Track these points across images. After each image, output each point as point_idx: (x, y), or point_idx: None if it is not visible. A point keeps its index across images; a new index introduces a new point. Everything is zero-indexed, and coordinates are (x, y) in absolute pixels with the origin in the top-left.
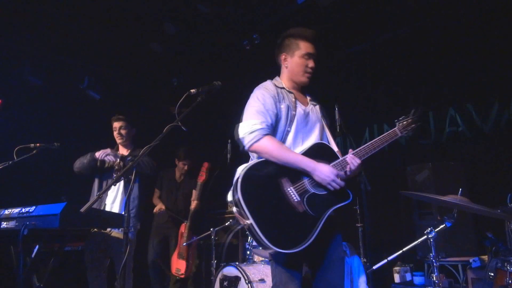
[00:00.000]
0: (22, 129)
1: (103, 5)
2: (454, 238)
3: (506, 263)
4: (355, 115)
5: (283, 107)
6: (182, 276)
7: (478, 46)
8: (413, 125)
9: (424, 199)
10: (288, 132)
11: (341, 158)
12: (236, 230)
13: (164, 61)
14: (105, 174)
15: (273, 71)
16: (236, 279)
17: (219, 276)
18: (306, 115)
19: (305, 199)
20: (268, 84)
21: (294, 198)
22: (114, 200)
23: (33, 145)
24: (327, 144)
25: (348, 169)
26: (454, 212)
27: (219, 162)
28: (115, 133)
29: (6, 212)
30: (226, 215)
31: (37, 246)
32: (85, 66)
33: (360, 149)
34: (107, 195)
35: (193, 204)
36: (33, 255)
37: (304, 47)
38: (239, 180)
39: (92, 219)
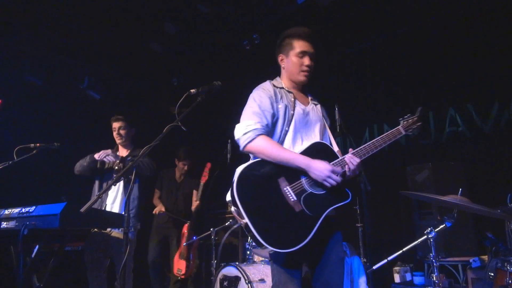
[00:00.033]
0: (22, 129)
1: (103, 5)
2: (454, 238)
3: (506, 263)
4: (355, 115)
5: (280, 107)
6: (183, 277)
7: (478, 46)
8: (419, 123)
9: (424, 199)
10: (287, 131)
11: (340, 158)
12: (232, 229)
13: (164, 61)
14: (105, 175)
15: (273, 71)
16: (236, 279)
17: (219, 276)
18: (306, 114)
19: (302, 199)
20: (266, 85)
21: (291, 197)
22: (114, 200)
23: (33, 145)
24: (327, 143)
25: (347, 168)
26: (454, 212)
27: (219, 162)
28: (115, 134)
29: (6, 212)
30: (227, 215)
31: (37, 246)
32: (85, 66)
33: (361, 148)
34: (107, 195)
35: (195, 204)
36: (33, 255)
37: (297, 45)
38: (236, 179)
39: (92, 219)
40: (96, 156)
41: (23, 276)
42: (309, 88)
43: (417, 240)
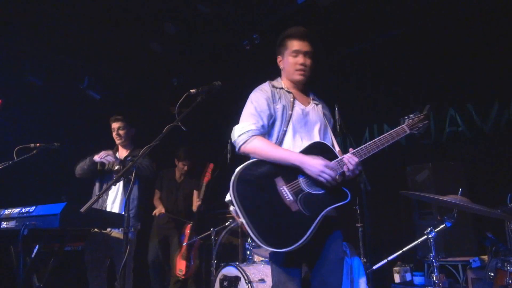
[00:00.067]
0: (22, 129)
1: (103, 5)
2: (454, 238)
3: (506, 263)
4: (355, 115)
5: (278, 107)
6: (183, 277)
7: (478, 46)
8: (426, 122)
9: (424, 199)
10: (285, 131)
11: (339, 158)
12: (229, 228)
13: (164, 61)
14: (105, 177)
15: (273, 71)
16: (236, 279)
17: (219, 276)
18: (305, 114)
19: (299, 198)
20: (264, 86)
21: (288, 197)
22: (114, 200)
23: (33, 145)
24: (326, 143)
25: (345, 168)
26: (454, 212)
27: (219, 162)
28: (114, 134)
29: (6, 212)
30: (227, 215)
31: (37, 246)
32: (85, 66)
33: (361, 148)
34: (107, 195)
35: (196, 204)
36: (33, 255)
37: (291, 45)
38: (233, 179)
39: (92, 219)
40: (96, 157)
41: (23, 276)
42: (311, 88)
43: (417, 240)
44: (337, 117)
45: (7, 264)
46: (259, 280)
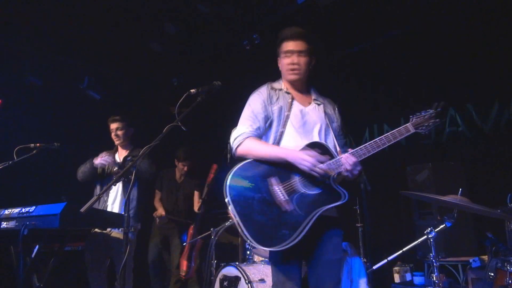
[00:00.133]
0: (22, 129)
1: (103, 5)
2: (454, 238)
3: (506, 263)
4: (355, 115)
5: (275, 108)
6: (184, 277)
7: (478, 46)
8: (436, 120)
9: (424, 199)
10: (282, 132)
11: (336, 158)
12: (224, 227)
13: (164, 61)
14: (106, 179)
15: (273, 71)
16: (236, 279)
17: (219, 276)
18: (304, 115)
19: (294, 198)
20: (262, 88)
21: (282, 197)
22: (114, 200)
23: (33, 145)
24: (323, 143)
25: (343, 169)
26: (454, 212)
27: (220, 162)
28: (112, 135)
29: (6, 212)
30: (228, 215)
31: (37, 246)
32: (85, 66)
33: (361, 148)
34: (108, 195)
35: (197, 205)
36: (33, 255)
37: (284, 46)
38: (228, 179)
39: (92, 219)
40: (95, 161)
41: (23, 276)
42: (315, 87)
43: (417, 240)
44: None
45: (7, 264)
46: (259, 280)
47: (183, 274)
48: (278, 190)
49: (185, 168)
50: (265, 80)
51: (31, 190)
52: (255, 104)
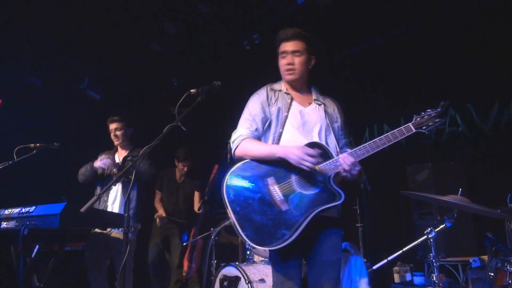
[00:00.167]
0: (22, 129)
1: (103, 5)
2: (454, 238)
3: (506, 263)
4: (355, 115)
5: (273, 109)
6: (185, 278)
7: (478, 46)
8: (438, 120)
9: (424, 199)
10: (281, 133)
11: (334, 158)
12: (223, 227)
13: (164, 61)
14: (106, 180)
15: (273, 71)
16: (236, 279)
17: (219, 276)
18: (303, 115)
19: (290, 198)
20: (260, 90)
21: (278, 197)
22: (114, 201)
23: (33, 145)
24: (322, 143)
25: (340, 169)
26: (454, 212)
27: (218, 162)
28: (112, 135)
29: (6, 212)
30: (228, 215)
31: (37, 246)
32: (85, 66)
33: (359, 148)
34: (108, 196)
35: (197, 205)
36: (33, 255)
37: (280, 48)
38: (225, 179)
39: (92, 219)
40: (95, 164)
41: (23, 276)
42: (318, 88)
43: (417, 240)
44: None
45: (7, 264)
46: (259, 280)
47: (184, 274)
48: (274, 190)
49: (185, 169)
50: (265, 80)
51: (31, 190)
52: (253, 106)
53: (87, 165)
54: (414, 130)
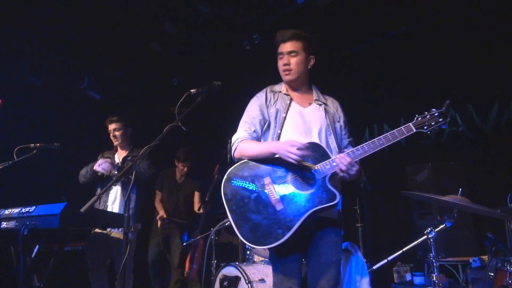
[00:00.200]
0: (22, 129)
1: (103, 5)
2: (454, 238)
3: (506, 263)
4: (355, 115)
5: (272, 111)
6: (185, 278)
7: (478, 46)
8: (441, 120)
9: (424, 199)
10: (279, 134)
11: (331, 158)
12: (222, 227)
13: (164, 61)
14: (107, 182)
15: (273, 71)
16: (236, 279)
17: (219, 276)
18: (303, 116)
19: (285, 198)
20: (260, 92)
21: (273, 196)
22: (114, 201)
23: (33, 145)
24: (319, 144)
25: (337, 169)
26: (454, 212)
27: (219, 162)
28: (111, 136)
29: (6, 212)
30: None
31: (37, 246)
32: (85, 66)
33: (357, 148)
34: (107, 196)
35: (197, 205)
36: (33, 255)
37: (278, 49)
38: (224, 179)
39: (92, 219)
40: (95, 166)
41: (23, 276)
42: (320, 88)
43: (417, 240)
44: None
45: (7, 264)
46: (259, 280)
47: (185, 275)
48: (270, 190)
49: (185, 169)
50: (265, 80)
51: (31, 190)
52: (252, 109)
53: (87, 167)
54: (414, 130)
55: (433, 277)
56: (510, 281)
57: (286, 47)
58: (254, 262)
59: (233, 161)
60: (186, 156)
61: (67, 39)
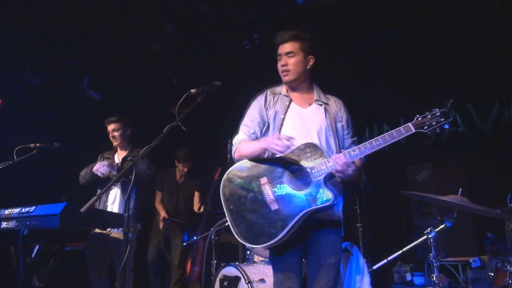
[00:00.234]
0: (22, 129)
1: (103, 5)
2: (454, 238)
3: (506, 263)
4: (355, 115)
5: (271, 113)
6: (186, 279)
7: (478, 46)
8: (442, 120)
9: (424, 199)
10: None
11: (326, 158)
12: (222, 227)
13: (164, 61)
14: (106, 181)
15: (273, 71)
16: (236, 279)
17: (219, 276)
18: (302, 117)
19: (280, 198)
20: (260, 95)
21: (268, 196)
22: (113, 201)
23: (33, 145)
24: (316, 144)
25: (332, 170)
26: (454, 212)
27: (219, 162)
28: (110, 136)
29: (6, 212)
30: None
31: (37, 246)
32: (85, 66)
33: (353, 149)
34: (107, 196)
35: (197, 206)
36: (33, 255)
37: (277, 51)
38: (223, 179)
39: (92, 219)
40: (94, 169)
41: (23, 276)
42: (322, 88)
43: (417, 240)
44: None
45: (7, 264)
46: (259, 280)
47: (187, 276)
48: (265, 190)
49: (185, 169)
50: (265, 80)
51: (31, 190)
52: (251, 111)
53: (87, 168)
54: (413, 130)
55: (433, 277)
56: (510, 281)
57: (284, 48)
58: (254, 262)
59: (233, 161)
60: (186, 156)
61: (67, 39)
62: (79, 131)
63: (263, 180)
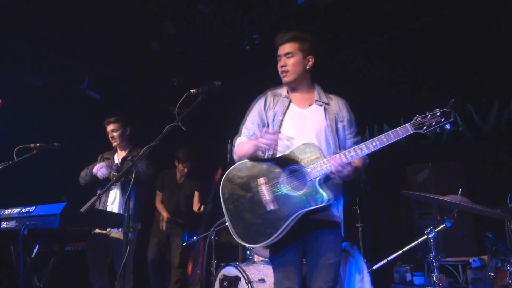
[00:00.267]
0: (22, 129)
1: (103, 5)
2: (454, 238)
3: (506, 263)
4: (355, 115)
5: (270, 114)
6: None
7: (478, 46)
8: (442, 120)
9: (424, 199)
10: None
11: (325, 159)
12: (222, 226)
13: (164, 61)
14: (106, 182)
15: (273, 71)
16: (236, 279)
17: (219, 276)
18: (301, 117)
19: (277, 198)
20: (261, 97)
21: (265, 196)
22: (113, 201)
23: (33, 145)
24: (315, 144)
25: (328, 170)
26: (454, 212)
27: (219, 162)
28: (109, 137)
29: (6, 212)
30: None
31: (37, 246)
32: (85, 66)
33: (349, 150)
34: (107, 196)
35: (197, 206)
36: (33, 255)
37: (277, 52)
38: (223, 179)
39: (92, 219)
40: (94, 172)
41: (23, 276)
42: (323, 87)
43: (417, 240)
44: None
45: (7, 264)
46: (259, 280)
47: (187, 276)
48: (262, 190)
49: (185, 170)
50: (265, 80)
51: (31, 190)
52: (252, 113)
53: (87, 169)
54: (411, 131)
55: (433, 277)
56: (510, 281)
57: (283, 49)
58: (254, 262)
59: (233, 161)
60: (186, 157)
61: (67, 39)
62: (79, 131)
63: (261, 180)
